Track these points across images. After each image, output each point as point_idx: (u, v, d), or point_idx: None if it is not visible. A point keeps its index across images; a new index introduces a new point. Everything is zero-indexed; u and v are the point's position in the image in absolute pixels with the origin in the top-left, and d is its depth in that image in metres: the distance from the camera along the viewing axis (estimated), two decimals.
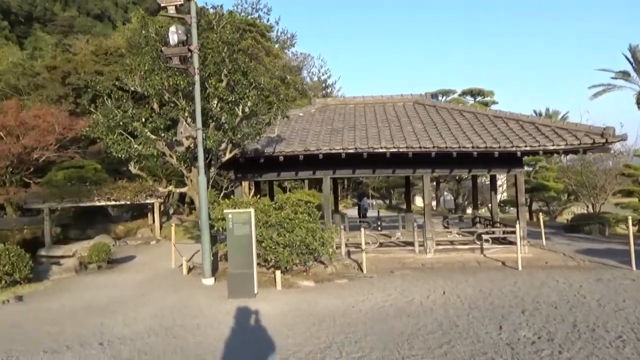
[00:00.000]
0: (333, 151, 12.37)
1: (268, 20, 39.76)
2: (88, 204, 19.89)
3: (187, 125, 11.86)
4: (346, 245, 13.57)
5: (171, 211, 27.10)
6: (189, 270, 12.20)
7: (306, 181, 39.64)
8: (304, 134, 13.70)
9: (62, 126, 28.29)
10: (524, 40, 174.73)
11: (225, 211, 9.65)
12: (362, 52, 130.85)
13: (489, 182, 24.30)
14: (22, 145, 27.44)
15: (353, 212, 28.58)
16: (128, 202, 20.51)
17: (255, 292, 9.16)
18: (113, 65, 31.88)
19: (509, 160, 13.14)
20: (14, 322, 8.04)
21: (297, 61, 41.11)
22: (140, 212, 24.03)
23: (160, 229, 21.39)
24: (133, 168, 12.25)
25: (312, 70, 43.69)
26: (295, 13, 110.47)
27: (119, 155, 11.13)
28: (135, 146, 11.06)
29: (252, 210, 9.39)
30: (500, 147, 12.03)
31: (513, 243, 12.53)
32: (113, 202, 20.28)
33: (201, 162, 10.73)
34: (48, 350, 6.37)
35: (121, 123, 11.32)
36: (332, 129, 13.82)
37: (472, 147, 12.04)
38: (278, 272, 9.97)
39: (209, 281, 10.57)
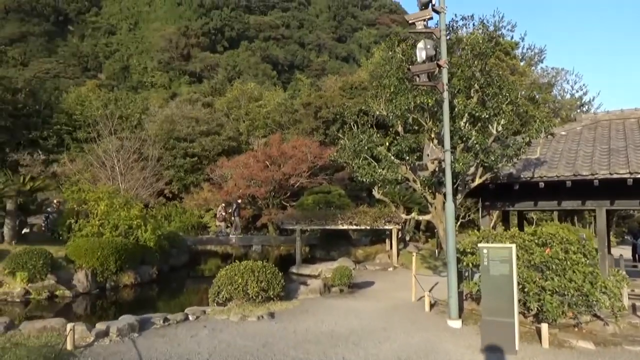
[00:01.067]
0: (615, 176, 9.69)
1: (512, 37, 36.77)
2: (332, 226, 20.74)
3: (433, 147, 10.88)
4: (629, 296, 10.45)
5: (407, 238, 26.60)
6: (431, 306, 11.02)
7: (555, 213, 34.64)
8: (570, 156, 11.25)
9: (314, 155, 30.87)
10: None
11: (480, 245, 8.18)
12: (628, 65, 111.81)
13: None
14: (282, 173, 30.80)
15: (620, 252, 23.27)
16: (368, 227, 20.65)
17: (516, 347, 7.39)
18: (357, 97, 33.71)
19: None
20: (265, 341, 8.12)
21: (547, 77, 36.72)
22: (378, 237, 24.15)
23: (398, 255, 20.91)
24: (377, 193, 11.84)
25: (564, 86, 38.40)
26: (545, 27, 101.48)
27: (364, 180, 10.82)
28: (379, 171, 10.60)
29: (513, 246, 7.70)
30: None
31: None
32: (354, 227, 20.69)
33: (449, 186, 9.53)
34: None
35: (366, 147, 11.06)
36: (610, 149, 11.00)
37: None
38: (544, 326, 7.94)
39: (456, 324, 9.17)
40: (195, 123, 38.48)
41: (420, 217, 12.88)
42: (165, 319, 8.94)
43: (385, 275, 18.36)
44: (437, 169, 10.81)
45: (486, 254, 7.83)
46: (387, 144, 11.10)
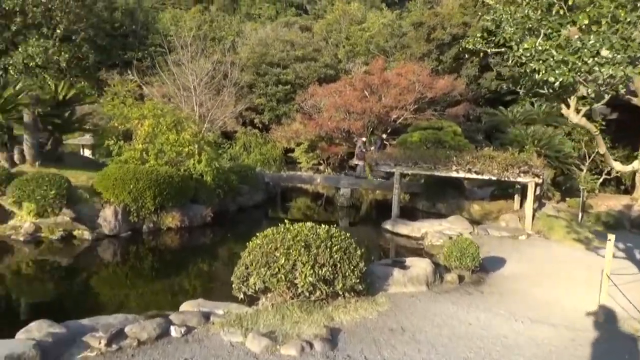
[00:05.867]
0: None
1: None
2: (444, 173, 14.93)
3: None
4: None
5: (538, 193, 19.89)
6: None
7: None
8: None
9: (423, 84, 24.60)
10: None
11: None
12: None
13: None
14: (383, 105, 25.13)
15: None
16: (494, 178, 14.55)
17: None
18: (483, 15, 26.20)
19: None
20: None
21: None
22: (502, 190, 17.86)
23: (532, 218, 14.70)
24: (573, 113, 5.87)
25: None
26: None
27: (553, 79, 4.93)
28: (589, 59, 4.67)
29: None
30: None
31: None
32: (474, 175, 14.68)
33: None
34: None
35: (551, 22, 5.11)
36: None
37: None
38: None
39: None
40: (290, 47, 33.50)
41: None
42: (111, 337, 4.25)
43: (517, 247, 12.38)
44: None
45: None
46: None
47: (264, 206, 18.47)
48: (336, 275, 5.80)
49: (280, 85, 31.68)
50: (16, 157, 11.47)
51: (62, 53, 29.91)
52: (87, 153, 19.08)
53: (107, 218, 11.00)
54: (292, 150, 29.74)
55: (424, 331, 5.52)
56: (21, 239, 10.03)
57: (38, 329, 4.01)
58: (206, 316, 5.05)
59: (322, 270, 5.64)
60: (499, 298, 7.33)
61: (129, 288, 8.17)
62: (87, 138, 17.80)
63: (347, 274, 5.86)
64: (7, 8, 28.20)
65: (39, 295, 7.55)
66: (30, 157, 11.56)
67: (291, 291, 5.66)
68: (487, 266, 9.31)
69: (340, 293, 5.90)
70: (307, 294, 5.61)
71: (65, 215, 10.45)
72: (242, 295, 5.79)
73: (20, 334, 3.99)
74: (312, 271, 5.55)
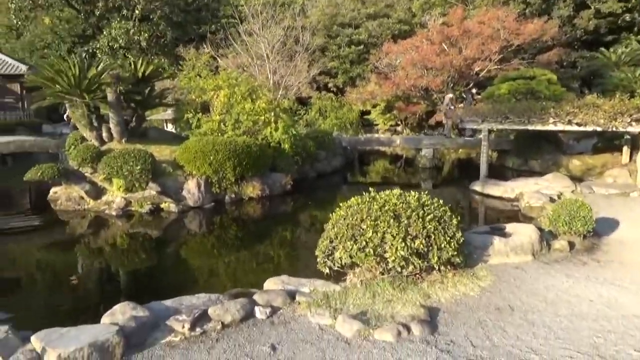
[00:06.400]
0: None
1: None
2: (539, 127, 13.39)
3: None
4: None
5: None
6: None
7: None
8: None
9: (508, 31, 22.39)
10: None
11: None
12: None
13: None
14: (464, 57, 23.30)
15: None
16: (599, 129, 12.80)
17: None
18: None
19: None
20: None
21: None
22: (606, 142, 15.83)
23: None
24: None
25: None
26: None
27: None
28: None
29: None
30: None
31: None
32: (576, 127, 12.99)
33: None
34: None
35: None
36: None
37: None
38: None
39: None
40: (361, 5, 32.07)
41: None
42: (194, 321, 4.00)
43: (631, 206, 10.85)
44: None
45: None
46: None
47: (343, 171, 18.02)
48: (430, 247, 5.16)
49: (352, 46, 30.64)
50: (104, 135, 11.86)
51: (142, 33, 31.05)
52: (170, 127, 19.68)
53: (191, 190, 11.11)
54: (368, 113, 28.85)
55: (537, 310, 4.75)
56: (114, 213, 10.43)
57: (122, 312, 3.85)
58: (291, 295, 4.68)
59: (414, 243, 5.03)
60: (620, 268, 6.28)
61: (214, 259, 8.14)
62: (169, 113, 18.25)
63: (442, 245, 5.20)
64: None
65: (132, 267, 7.72)
66: (117, 135, 11.90)
67: (381, 266, 5.12)
68: (599, 230, 8.11)
69: (436, 267, 5.26)
70: (399, 268, 5.05)
71: (152, 189, 10.67)
72: (327, 270, 5.36)
73: (105, 318, 3.86)
74: (403, 244, 4.96)
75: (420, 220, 5.17)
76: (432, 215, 5.29)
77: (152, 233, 9.62)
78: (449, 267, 5.45)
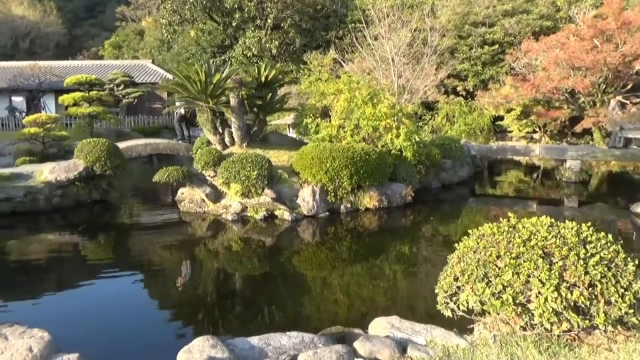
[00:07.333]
0: None
1: None
2: None
3: None
4: None
5: None
6: None
7: None
8: None
9: None
10: None
11: None
12: None
13: None
14: (622, 54, 19.91)
15: None
16: None
17: None
18: None
19: None
20: None
21: None
22: None
23: None
24: None
25: None
26: None
27: None
28: None
29: None
30: None
31: None
32: None
33: None
34: None
35: None
36: None
37: None
38: None
39: None
40: (497, 2, 29.46)
41: None
42: None
43: None
44: None
45: None
46: None
47: (470, 182, 16.33)
48: (595, 300, 3.80)
49: (485, 46, 28.30)
50: (227, 139, 12.02)
51: (273, 40, 32.20)
52: (291, 132, 19.81)
53: (306, 198, 10.67)
54: (501, 118, 26.31)
55: None
56: (229, 217, 10.40)
57: (200, 351, 3.28)
58: (402, 345, 3.73)
59: (571, 294, 3.73)
60: None
61: (320, 279, 7.45)
62: (291, 117, 18.33)
63: (612, 299, 3.80)
64: (227, 7, 31.50)
65: (237, 277, 7.40)
66: (238, 139, 11.98)
67: (522, 319, 3.91)
68: None
69: (602, 327, 3.88)
70: (548, 325, 3.78)
71: (267, 195, 10.44)
72: (449, 313, 4.29)
73: (181, 355, 3.32)
74: (555, 294, 3.70)
75: (581, 262, 3.83)
76: (598, 256, 3.91)
77: (264, 241, 9.33)
78: (619, 327, 4.01)
